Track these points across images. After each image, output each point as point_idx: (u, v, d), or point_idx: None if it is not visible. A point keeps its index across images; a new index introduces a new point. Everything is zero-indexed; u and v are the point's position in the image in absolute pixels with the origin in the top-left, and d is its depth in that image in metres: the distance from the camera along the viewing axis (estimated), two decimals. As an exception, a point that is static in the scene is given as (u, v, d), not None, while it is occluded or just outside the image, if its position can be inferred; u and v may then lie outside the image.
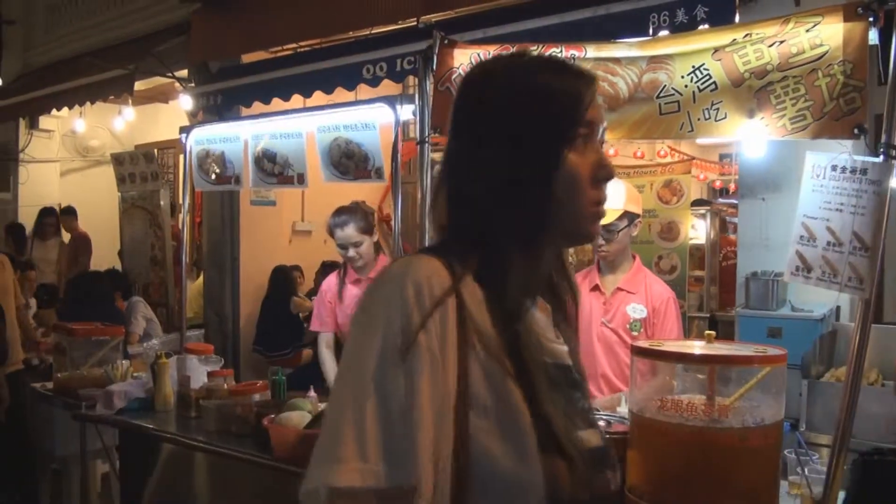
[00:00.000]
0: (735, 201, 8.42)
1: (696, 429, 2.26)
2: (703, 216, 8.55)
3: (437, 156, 5.54)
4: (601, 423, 2.66)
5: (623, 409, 2.89)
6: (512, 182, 1.28)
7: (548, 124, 1.29)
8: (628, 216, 3.41)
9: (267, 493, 3.30)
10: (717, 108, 2.86)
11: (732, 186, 13.80)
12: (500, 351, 1.23)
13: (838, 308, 4.71)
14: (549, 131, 1.29)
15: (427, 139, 3.15)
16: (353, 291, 4.30)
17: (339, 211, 4.05)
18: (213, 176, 3.91)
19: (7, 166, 9.66)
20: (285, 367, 6.90)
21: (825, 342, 4.18)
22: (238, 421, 3.42)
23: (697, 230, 8.49)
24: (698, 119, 2.88)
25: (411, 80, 5.15)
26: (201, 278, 8.05)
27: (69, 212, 9.26)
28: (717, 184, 14.03)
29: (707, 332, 2.58)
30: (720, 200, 9.73)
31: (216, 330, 7.50)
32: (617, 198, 3.40)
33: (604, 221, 3.34)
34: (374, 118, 3.36)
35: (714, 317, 8.34)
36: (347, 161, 3.42)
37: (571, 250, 8.52)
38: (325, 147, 3.47)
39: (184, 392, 3.79)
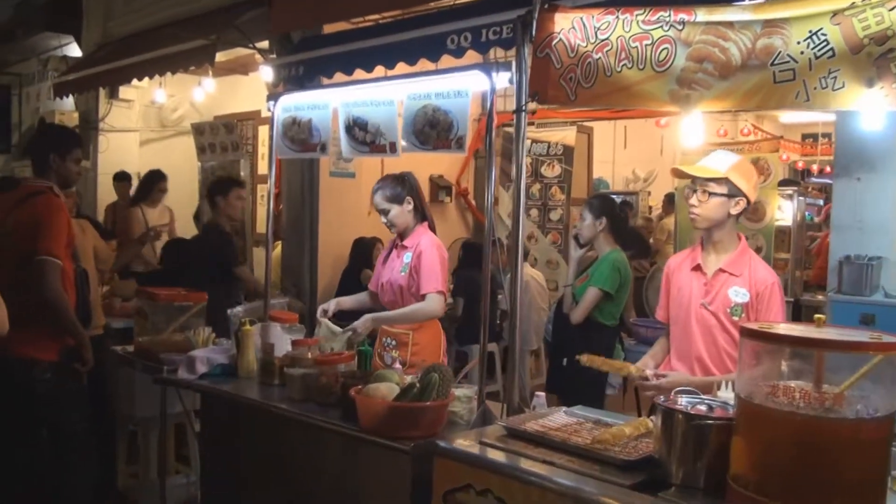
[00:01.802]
0: (827, 181, 8.19)
1: (808, 418, 2.14)
2: (789, 197, 8.29)
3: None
4: (703, 407, 2.56)
5: (723, 395, 2.76)
6: None
7: None
8: (729, 186, 3.25)
9: (349, 463, 3.27)
10: (835, 77, 2.70)
11: (816, 168, 13.44)
12: None
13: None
14: None
15: (524, 107, 3.05)
16: (393, 256, 4.40)
17: (379, 179, 4.32)
18: (299, 144, 3.86)
19: (87, 135, 9.76)
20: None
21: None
22: (323, 390, 3.40)
23: (784, 211, 8.23)
24: (815, 88, 2.72)
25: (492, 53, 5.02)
26: (279, 248, 8.09)
27: (124, 177, 9.33)
28: (800, 164, 13.67)
29: (817, 315, 2.44)
30: (813, 180, 9.41)
31: (293, 300, 7.55)
32: (721, 161, 3.26)
33: (697, 174, 3.25)
34: (468, 85, 3.25)
35: (798, 301, 8.11)
36: (430, 130, 3.32)
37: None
38: (412, 115, 3.38)
39: (267, 360, 3.78)
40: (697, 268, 3.40)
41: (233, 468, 3.80)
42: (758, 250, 7.99)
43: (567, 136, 9.06)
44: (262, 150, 9.78)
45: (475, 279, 7.22)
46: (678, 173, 3.43)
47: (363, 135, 3.60)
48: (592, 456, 2.64)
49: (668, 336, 3.63)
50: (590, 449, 2.66)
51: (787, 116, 13.81)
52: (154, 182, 8.18)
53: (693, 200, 3.30)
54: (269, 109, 3.98)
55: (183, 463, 4.96)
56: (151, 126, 10.32)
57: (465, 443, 2.80)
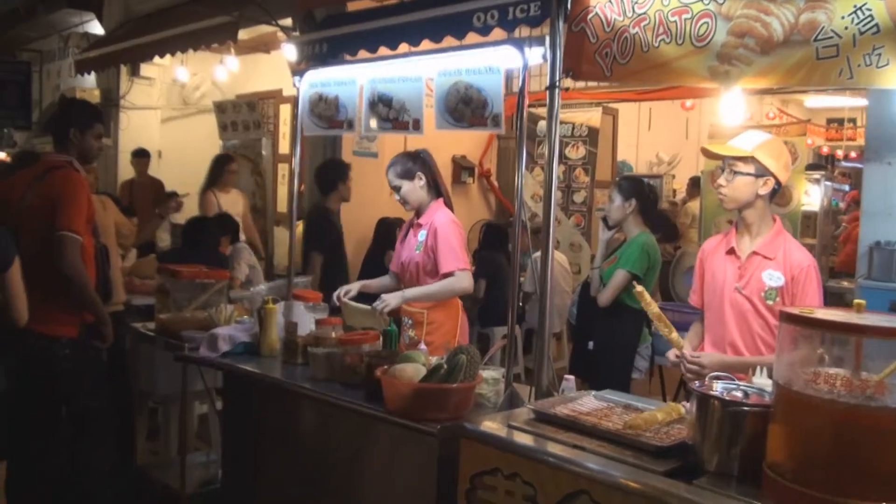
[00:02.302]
0: (857, 165, 8.07)
1: (849, 406, 2.07)
2: (816, 181, 8.17)
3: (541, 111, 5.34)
4: (738, 393, 2.49)
5: (759, 381, 2.69)
6: None
7: None
8: (756, 165, 3.16)
9: (374, 445, 3.23)
10: (879, 54, 2.61)
11: (841, 153, 13.27)
12: None
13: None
14: None
15: (558, 84, 2.97)
16: (410, 234, 4.40)
17: (393, 157, 4.32)
18: (325, 120, 3.80)
19: (108, 112, 9.74)
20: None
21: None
22: (347, 370, 3.35)
23: (810, 196, 8.12)
24: (858, 65, 2.63)
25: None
26: (301, 228, 8.05)
27: (142, 154, 9.29)
28: (825, 150, 13.50)
29: (856, 301, 2.36)
30: (843, 164, 9.28)
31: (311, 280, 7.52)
32: (748, 140, 3.18)
33: (724, 153, 3.17)
34: (499, 62, 3.18)
35: (824, 287, 7.98)
36: (464, 107, 3.25)
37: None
38: (443, 92, 3.31)
39: (290, 339, 3.72)
40: (731, 251, 3.32)
41: (254, 447, 3.77)
42: (784, 236, 7.90)
43: (592, 117, 8.96)
44: (284, 129, 9.74)
45: (497, 260, 7.17)
46: (706, 153, 3.35)
47: (386, 111, 3.53)
48: (624, 441, 2.57)
49: (702, 321, 3.56)
50: (622, 434, 2.60)
51: (813, 101, 13.63)
52: (222, 164, 7.86)
53: (721, 180, 3.23)
54: (294, 85, 3.91)
55: (203, 441, 4.94)
56: (173, 104, 10.28)
57: (493, 426, 2.75)
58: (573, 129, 9.40)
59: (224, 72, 9.13)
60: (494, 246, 7.41)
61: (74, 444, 3.94)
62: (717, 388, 2.53)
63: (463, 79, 3.24)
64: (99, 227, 4.19)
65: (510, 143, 9.90)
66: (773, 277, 3.19)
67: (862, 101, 12.60)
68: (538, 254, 5.26)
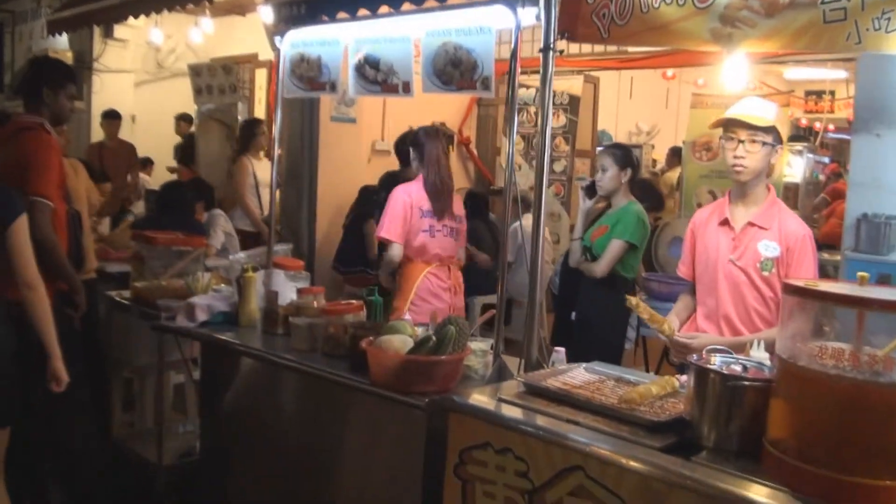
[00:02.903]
0: (844, 136, 8.04)
1: (857, 382, 1.99)
2: (798, 153, 8.13)
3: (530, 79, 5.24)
4: (737, 367, 2.42)
5: (757, 354, 2.62)
6: None
7: None
8: (774, 136, 3.08)
9: (358, 418, 3.14)
10: (889, 18, 2.51)
11: (820, 126, 13.25)
12: None
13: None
14: None
15: (552, 46, 2.85)
16: None
17: None
18: (306, 82, 3.66)
19: (81, 75, 9.46)
20: (359, 286, 6.77)
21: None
22: (330, 341, 3.25)
23: (792, 168, 8.08)
24: (867, 29, 2.53)
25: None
26: (277, 194, 7.90)
27: (113, 115, 9.02)
28: (804, 122, 13.47)
29: (860, 273, 2.29)
30: (830, 136, 9.24)
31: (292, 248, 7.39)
32: (768, 109, 3.08)
33: (752, 121, 3.07)
34: (491, 22, 3.05)
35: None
36: (452, 70, 3.13)
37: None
38: (431, 53, 3.18)
39: (270, 308, 3.61)
40: (725, 222, 3.24)
41: (233, 419, 3.67)
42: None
43: (573, 85, 8.83)
44: (259, 94, 9.56)
45: (478, 230, 7.06)
46: (728, 122, 3.15)
47: (374, 73, 3.40)
48: (619, 416, 2.50)
49: (691, 294, 3.48)
50: (616, 409, 2.52)
51: (792, 72, 13.55)
52: (253, 128, 7.55)
53: (740, 151, 3.10)
54: (275, 46, 3.75)
55: (179, 412, 4.82)
56: (147, 67, 10.05)
57: (483, 399, 2.66)
58: (553, 97, 9.25)
59: (199, 34, 8.92)
60: (475, 214, 7.30)
61: (48, 416, 3.81)
62: (716, 361, 2.46)
63: (452, 39, 3.12)
64: (71, 193, 4.04)
65: (490, 111, 9.77)
66: (768, 248, 3.12)
67: (842, 74, 12.60)
68: (517, 223, 5.22)
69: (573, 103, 9.27)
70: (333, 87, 3.59)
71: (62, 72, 3.97)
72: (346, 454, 3.20)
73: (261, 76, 9.79)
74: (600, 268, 4.42)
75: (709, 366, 2.41)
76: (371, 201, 7.10)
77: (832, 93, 12.65)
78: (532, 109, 9.56)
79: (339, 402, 3.18)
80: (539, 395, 2.70)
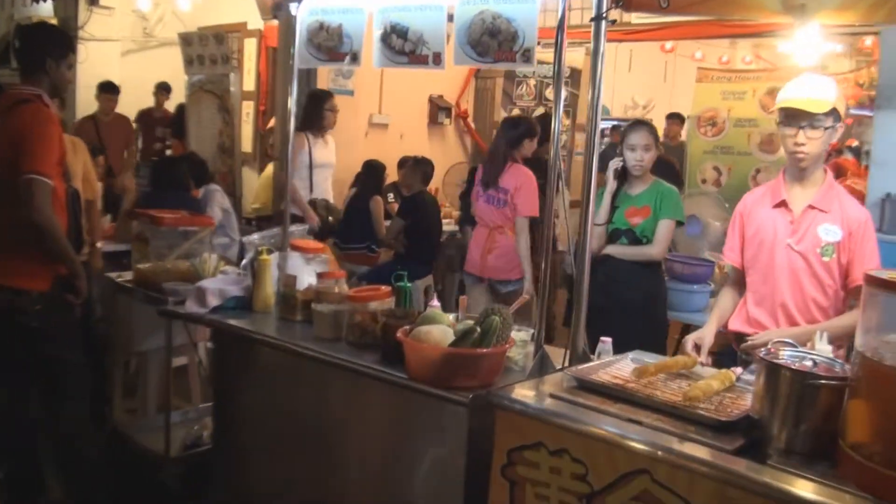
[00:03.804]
0: (866, 112, 7.87)
1: (952, 383, 1.84)
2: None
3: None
4: (807, 363, 2.25)
5: (821, 347, 2.45)
6: None
7: None
8: (835, 116, 2.90)
9: (390, 413, 2.94)
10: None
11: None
12: None
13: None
14: None
15: (605, 14, 2.64)
16: None
17: None
18: (325, 52, 3.42)
19: (66, 44, 9.17)
20: (359, 264, 6.57)
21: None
22: (356, 330, 3.04)
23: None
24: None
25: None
26: (270, 169, 7.66)
27: (110, 89, 8.66)
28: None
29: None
30: (852, 112, 9.03)
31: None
32: (827, 89, 2.88)
33: (812, 109, 2.88)
34: (532, -12, 2.83)
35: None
36: (489, 40, 2.90)
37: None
38: (466, 22, 2.95)
39: (289, 293, 3.40)
40: (781, 204, 3.05)
41: (249, 410, 3.46)
42: (771, 183, 7.71)
43: (575, 57, 8.60)
44: (248, 65, 9.28)
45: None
46: (787, 112, 2.94)
47: (402, 43, 3.16)
48: (683, 415, 2.33)
49: (734, 286, 3.29)
50: (681, 406, 2.35)
51: (786, 46, 13.38)
52: (320, 103, 6.58)
53: (801, 138, 2.92)
54: (293, 12, 3.49)
55: (182, 397, 4.61)
56: (134, 36, 9.72)
57: (531, 394, 2.48)
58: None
59: (187, 2, 8.60)
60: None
61: (47, 407, 3.60)
62: (784, 355, 2.29)
63: (490, 7, 2.89)
64: (69, 171, 3.79)
65: (488, 84, 9.56)
66: (829, 232, 2.94)
67: (838, 47, 12.41)
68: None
69: (574, 76, 9.08)
70: (355, 58, 3.35)
71: (64, 39, 3.71)
72: (372, 449, 3.01)
73: (250, 46, 9.50)
74: (658, 250, 4.15)
75: (780, 361, 2.24)
76: (378, 177, 6.87)
77: (825, 68, 12.49)
78: (531, 82, 9.37)
79: (364, 394, 2.98)
80: (591, 390, 2.52)
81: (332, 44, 3.40)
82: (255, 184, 8.56)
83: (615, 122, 10.29)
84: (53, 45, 3.58)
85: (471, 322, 2.70)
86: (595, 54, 2.70)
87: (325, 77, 7.14)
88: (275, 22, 9.53)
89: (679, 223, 4.22)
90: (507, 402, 2.45)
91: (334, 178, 6.85)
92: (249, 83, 9.11)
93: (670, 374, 2.68)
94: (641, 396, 2.43)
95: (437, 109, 8.69)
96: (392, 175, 7.81)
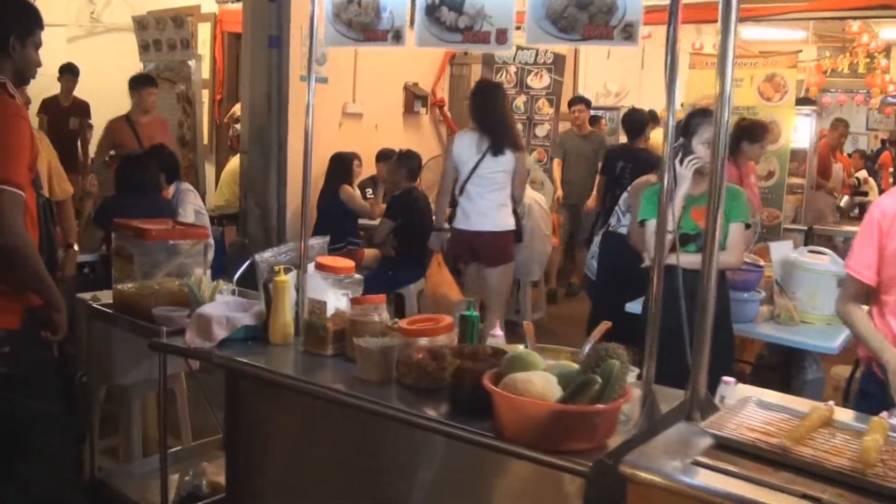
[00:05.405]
0: None
1: None
2: (807, 116, 7.64)
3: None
4: None
5: None
6: None
7: None
8: None
9: (466, 475, 2.37)
10: None
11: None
12: None
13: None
14: None
15: None
16: None
17: None
18: (358, 30, 2.84)
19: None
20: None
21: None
22: (412, 370, 2.48)
23: (798, 132, 7.58)
24: None
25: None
26: (234, 162, 7.05)
27: (69, 70, 8.08)
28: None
29: None
30: (889, 99, 8.78)
31: (257, 223, 6.56)
32: None
33: None
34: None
35: (812, 230, 7.53)
36: (577, 12, 2.37)
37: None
38: (548, -9, 2.41)
39: (317, 324, 2.81)
40: None
41: (270, 456, 2.87)
42: (770, 174, 7.35)
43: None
44: (203, 50, 8.62)
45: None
46: None
47: (454, 17, 2.59)
48: (860, 484, 1.85)
49: (859, 301, 2.84)
50: (859, 475, 1.86)
51: (749, 31, 13.12)
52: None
53: None
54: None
55: (170, 433, 3.98)
56: (80, 21, 8.94)
57: (677, 464, 1.96)
58: (536, 55, 8.60)
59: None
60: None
61: (15, 461, 2.96)
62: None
63: (579, -30, 2.36)
64: (38, 175, 3.14)
65: (464, 70, 9.03)
66: None
67: (800, 34, 12.18)
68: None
69: (558, 62, 8.62)
70: (398, 37, 2.76)
71: (31, 14, 3.03)
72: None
73: (204, 31, 8.89)
74: (736, 258, 3.63)
75: None
76: (345, 169, 6.33)
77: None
78: (511, 69, 8.85)
79: (430, 453, 2.41)
80: (735, 451, 2.02)
81: (367, 20, 2.80)
82: (215, 179, 7.98)
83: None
84: (15, 22, 2.91)
85: (574, 366, 2.17)
86: (726, 33, 2.17)
87: (298, 62, 6.50)
88: (231, 5, 8.89)
89: (748, 225, 3.72)
90: (645, 472, 1.93)
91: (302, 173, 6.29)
92: (204, 70, 8.45)
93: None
94: (807, 460, 1.94)
95: (413, 98, 8.10)
96: (369, 168, 7.26)
